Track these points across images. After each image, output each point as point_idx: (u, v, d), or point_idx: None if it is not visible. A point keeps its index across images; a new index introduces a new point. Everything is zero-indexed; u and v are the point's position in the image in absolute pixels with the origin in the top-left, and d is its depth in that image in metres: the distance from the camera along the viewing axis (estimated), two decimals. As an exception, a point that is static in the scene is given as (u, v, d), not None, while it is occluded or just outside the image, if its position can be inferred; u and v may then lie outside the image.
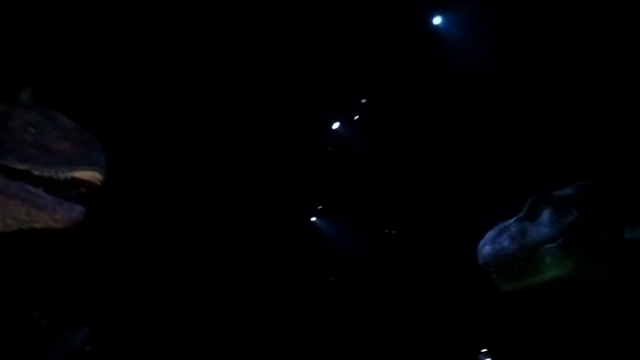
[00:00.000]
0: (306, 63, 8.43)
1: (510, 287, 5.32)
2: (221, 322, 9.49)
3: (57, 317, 7.26)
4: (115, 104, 7.90)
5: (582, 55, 6.20)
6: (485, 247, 5.23)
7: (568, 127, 6.28)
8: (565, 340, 6.49)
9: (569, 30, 6.40)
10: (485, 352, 7.59)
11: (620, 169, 5.69)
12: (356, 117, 9.72)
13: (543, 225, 5.17)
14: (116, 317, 8.57)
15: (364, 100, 9.39)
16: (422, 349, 8.52)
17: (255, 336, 9.46)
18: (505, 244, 5.16)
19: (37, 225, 3.89)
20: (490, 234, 5.27)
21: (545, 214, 5.18)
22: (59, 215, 3.83)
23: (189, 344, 9.26)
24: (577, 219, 5.13)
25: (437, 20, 7.72)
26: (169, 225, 9.45)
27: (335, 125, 10.03)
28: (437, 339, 8.40)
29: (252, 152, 9.34)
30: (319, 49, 8.19)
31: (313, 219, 10.71)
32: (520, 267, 5.16)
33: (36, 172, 3.74)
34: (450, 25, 7.50)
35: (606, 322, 6.15)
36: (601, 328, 6.20)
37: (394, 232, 9.54)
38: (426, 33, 7.69)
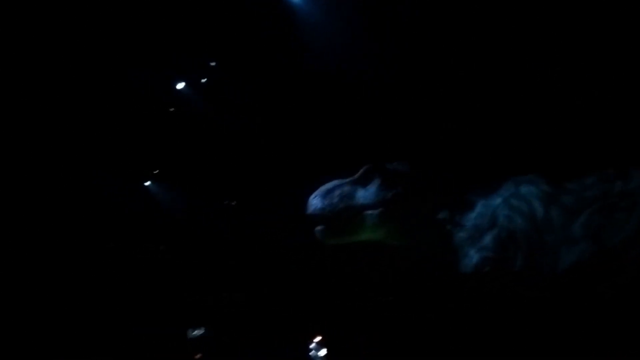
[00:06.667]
0: (154, 20, 8.27)
1: (331, 241, 5.79)
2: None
3: None
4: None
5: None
6: (316, 199, 5.66)
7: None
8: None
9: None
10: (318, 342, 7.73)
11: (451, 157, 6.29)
12: (204, 80, 9.62)
13: (371, 192, 5.78)
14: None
15: (213, 64, 9.34)
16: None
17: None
18: (335, 200, 5.64)
19: None
20: (323, 187, 5.71)
21: (375, 183, 5.81)
22: None
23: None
24: (399, 194, 5.81)
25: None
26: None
27: (180, 86, 9.82)
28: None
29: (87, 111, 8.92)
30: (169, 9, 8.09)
31: (147, 183, 10.35)
32: (342, 224, 5.64)
33: None
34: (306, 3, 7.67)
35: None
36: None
37: (233, 203, 9.55)
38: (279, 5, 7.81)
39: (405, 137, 6.43)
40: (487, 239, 5.69)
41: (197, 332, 8.90)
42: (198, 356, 8.57)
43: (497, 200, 5.79)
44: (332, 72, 7.10)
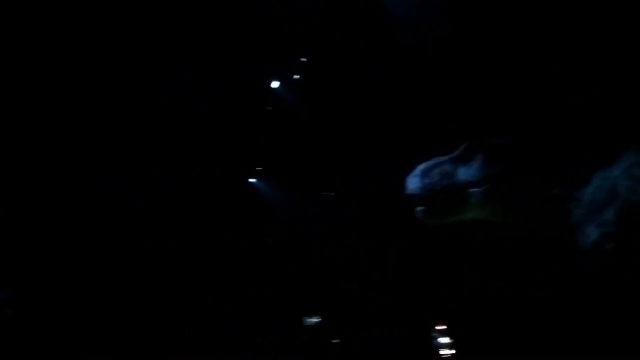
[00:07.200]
0: (245, 20, 8.34)
1: (433, 221, 5.51)
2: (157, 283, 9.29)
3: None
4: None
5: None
6: (415, 179, 5.38)
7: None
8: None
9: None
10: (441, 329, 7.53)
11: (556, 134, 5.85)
12: (296, 77, 9.64)
13: (474, 169, 5.43)
14: (39, 279, 8.32)
15: (304, 59, 9.33)
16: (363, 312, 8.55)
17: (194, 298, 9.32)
18: (436, 179, 5.35)
19: None
20: (422, 166, 5.42)
21: (478, 159, 5.45)
22: None
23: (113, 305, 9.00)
24: (506, 170, 5.43)
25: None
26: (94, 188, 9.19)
27: (275, 85, 9.91)
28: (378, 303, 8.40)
29: (189, 112, 9.16)
30: (258, 5, 8.12)
31: (252, 180, 10.61)
32: (444, 204, 5.35)
33: None
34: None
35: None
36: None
37: (332, 193, 9.54)
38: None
39: (509, 109, 6.04)
40: (608, 213, 5.19)
41: (313, 320, 8.97)
42: (335, 341, 8.59)
43: (616, 172, 5.27)
44: (420, 54, 6.88)
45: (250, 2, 8.09)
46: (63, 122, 8.34)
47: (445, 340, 7.16)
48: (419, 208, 5.48)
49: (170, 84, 8.82)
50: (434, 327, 7.33)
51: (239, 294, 9.18)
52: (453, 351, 7.02)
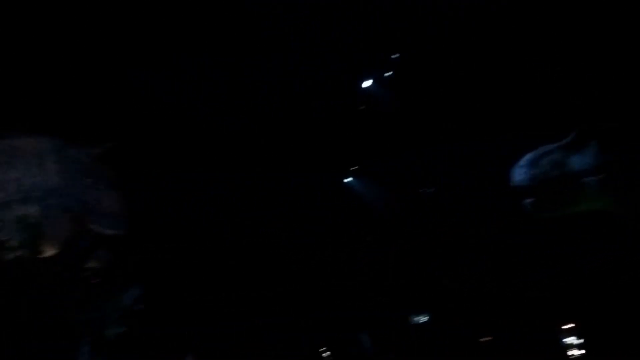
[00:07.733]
0: (336, 21, 8.23)
1: (544, 214, 5.13)
2: (263, 284, 9.47)
3: (109, 277, 7.30)
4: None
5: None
6: (522, 170, 5.02)
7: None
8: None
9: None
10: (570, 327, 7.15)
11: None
12: (387, 74, 9.43)
13: (587, 156, 5.00)
14: (166, 278, 8.64)
15: (395, 56, 9.10)
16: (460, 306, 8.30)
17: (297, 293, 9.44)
18: (545, 169, 4.96)
19: None
20: (529, 156, 5.05)
21: (592, 145, 5.02)
22: None
23: (230, 306, 9.26)
24: (626, 156, 4.96)
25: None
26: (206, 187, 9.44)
27: (367, 84, 9.76)
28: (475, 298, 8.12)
29: (283, 113, 9.19)
30: (348, 7, 7.98)
31: (348, 179, 10.55)
32: (556, 195, 4.97)
33: None
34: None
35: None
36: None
37: (430, 190, 9.29)
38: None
39: (624, 88, 5.49)
40: None
41: (420, 319, 8.79)
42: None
43: None
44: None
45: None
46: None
47: (573, 340, 6.73)
48: (528, 200, 5.10)
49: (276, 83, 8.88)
50: (561, 326, 6.91)
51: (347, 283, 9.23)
52: (582, 351, 6.57)
